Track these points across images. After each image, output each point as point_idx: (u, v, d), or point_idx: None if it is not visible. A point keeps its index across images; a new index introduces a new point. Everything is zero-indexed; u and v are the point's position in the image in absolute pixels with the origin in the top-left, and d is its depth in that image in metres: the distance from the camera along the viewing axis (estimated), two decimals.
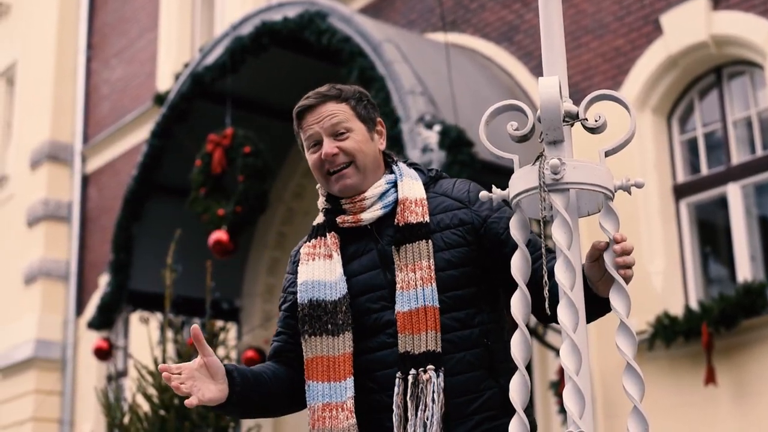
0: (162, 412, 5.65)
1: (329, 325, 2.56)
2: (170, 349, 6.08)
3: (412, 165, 2.76)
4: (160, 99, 11.50)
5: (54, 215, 13.75)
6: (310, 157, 2.67)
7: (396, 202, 2.63)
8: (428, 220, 2.59)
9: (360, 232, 2.64)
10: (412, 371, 2.46)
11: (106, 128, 13.75)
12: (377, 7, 9.84)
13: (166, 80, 12.39)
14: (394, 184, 2.66)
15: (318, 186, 2.74)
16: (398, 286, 2.54)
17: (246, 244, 10.74)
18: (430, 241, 2.56)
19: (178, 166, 9.45)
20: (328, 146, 2.61)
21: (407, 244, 2.56)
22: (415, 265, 2.54)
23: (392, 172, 2.71)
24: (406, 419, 2.44)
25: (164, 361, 5.88)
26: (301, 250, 2.71)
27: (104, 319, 10.04)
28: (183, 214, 9.15)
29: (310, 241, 2.70)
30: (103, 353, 10.10)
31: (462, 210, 2.62)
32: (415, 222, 2.58)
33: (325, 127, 2.63)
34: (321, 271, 2.62)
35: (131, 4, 14.00)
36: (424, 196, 2.63)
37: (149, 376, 5.76)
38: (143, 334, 9.03)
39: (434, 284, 2.52)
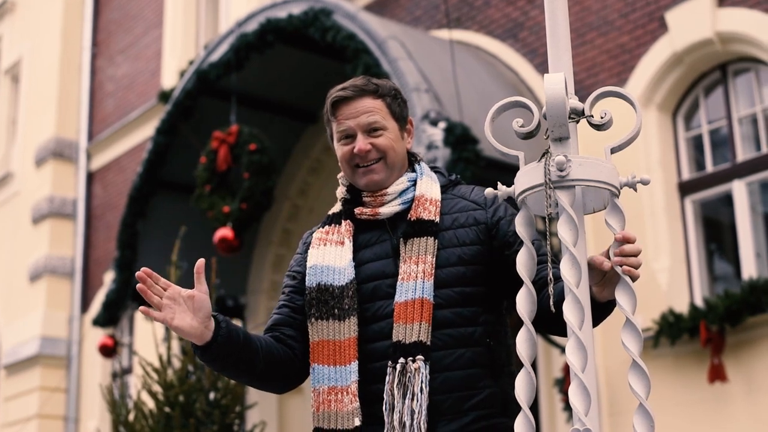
0: (167, 409, 5.66)
1: (336, 310, 2.60)
2: (175, 345, 6.08)
3: (434, 168, 2.80)
4: (165, 96, 11.50)
5: (59, 212, 13.75)
6: (341, 149, 2.71)
7: (413, 199, 2.69)
8: (438, 220, 2.64)
9: (376, 224, 2.70)
10: (401, 360, 2.49)
11: (111, 125, 13.75)
12: (382, 4, 9.84)
13: (171, 77, 12.39)
14: (415, 182, 2.72)
15: (340, 176, 2.78)
16: (400, 277, 2.58)
17: (251, 241, 10.74)
18: (436, 240, 2.61)
19: (183, 163, 9.46)
20: (362, 142, 2.67)
21: (415, 238, 2.61)
22: (419, 259, 2.58)
23: (414, 171, 2.76)
24: (395, 408, 2.47)
25: (169, 359, 5.88)
26: (314, 235, 2.76)
27: (109, 316, 10.05)
28: (188, 211, 9.16)
29: (323, 227, 2.75)
30: (108, 350, 10.10)
31: (478, 211, 2.67)
32: (426, 219, 2.63)
33: (361, 123, 2.68)
34: (331, 257, 2.66)
35: (136, 1, 14.00)
36: (439, 198, 2.69)
37: (154, 373, 5.77)
38: (148, 331, 9.05)
39: (432, 280, 2.56)
